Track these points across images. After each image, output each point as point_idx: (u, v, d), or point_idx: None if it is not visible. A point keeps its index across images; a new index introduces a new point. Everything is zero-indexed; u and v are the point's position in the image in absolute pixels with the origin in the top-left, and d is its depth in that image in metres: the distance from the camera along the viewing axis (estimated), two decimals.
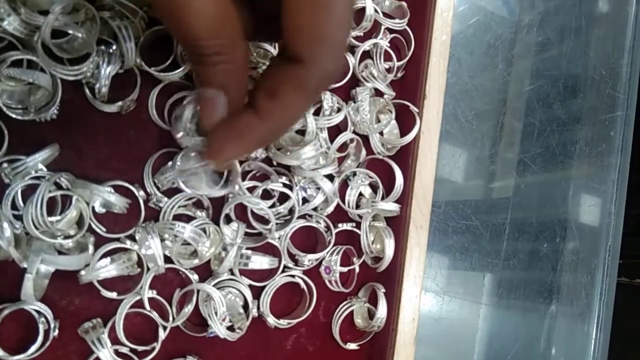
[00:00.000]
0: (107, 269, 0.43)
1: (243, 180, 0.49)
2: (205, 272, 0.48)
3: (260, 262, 0.47)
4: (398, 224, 0.54)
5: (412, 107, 0.55)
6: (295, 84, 0.34)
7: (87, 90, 0.44)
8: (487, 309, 0.74)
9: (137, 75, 0.46)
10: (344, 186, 0.54)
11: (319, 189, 0.52)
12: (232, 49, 0.34)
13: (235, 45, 0.34)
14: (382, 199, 0.53)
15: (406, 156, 0.55)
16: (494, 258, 0.69)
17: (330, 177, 0.52)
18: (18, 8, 0.41)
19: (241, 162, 0.48)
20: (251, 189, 0.49)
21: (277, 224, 0.49)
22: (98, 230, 0.44)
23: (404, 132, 0.55)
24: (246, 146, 0.38)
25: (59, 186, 0.43)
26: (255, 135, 0.36)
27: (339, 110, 0.52)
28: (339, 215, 0.53)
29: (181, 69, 0.46)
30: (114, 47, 0.44)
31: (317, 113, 0.51)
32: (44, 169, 0.43)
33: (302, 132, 0.50)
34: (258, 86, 0.36)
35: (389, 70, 0.56)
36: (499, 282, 0.73)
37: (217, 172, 0.45)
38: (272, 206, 0.49)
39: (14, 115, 0.41)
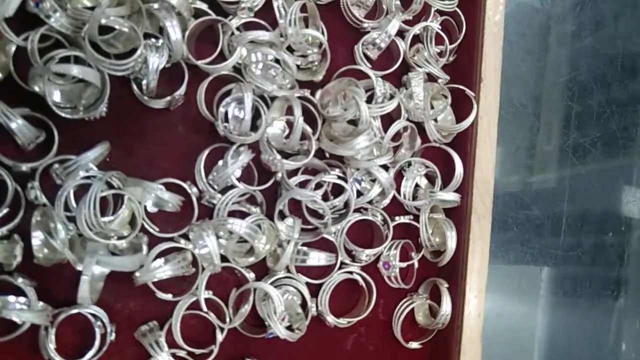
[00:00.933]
0: (163, 269, 0.41)
1: (295, 174, 0.47)
2: (261, 270, 0.46)
3: (318, 257, 0.45)
4: (458, 215, 0.51)
5: (467, 91, 0.52)
6: None
7: (134, 86, 0.43)
8: (547, 303, 0.70)
9: (185, 69, 0.44)
10: (398, 177, 0.51)
11: (373, 181, 0.49)
12: None
13: None
14: (441, 189, 0.51)
15: (463, 143, 0.52)
16: (554, 250, 0.65)
17: (385, 168, 0.49)
18: (64, 4, 0.40)
19: (289, 156, 0.47)
20: (304, 183, 0.47)
21: (332, 218, 0.46)
22: (151, 230, 0.43)
23: (459, 118, 0.53)
24: None
25: (110, 185, 0.41)
26: None
27: (391, 97, 0.49)
28: (395, 207, 0.51)
29: (229, 60, 0.44)
30: (161, 40, 0.43)
31: (369, 100, 0.49)
32: (95, 168, 0.42)
33: (354, 122, 0.48)
34: None
35: (440, 55, 0.53)
36: (559, 275, 0.69)
37: None
38: (326, 200, 0.47)
39: (63, 114, 0.40)
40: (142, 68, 0.42)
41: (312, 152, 0.46)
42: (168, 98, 0.43)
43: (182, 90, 0.44)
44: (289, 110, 0.47)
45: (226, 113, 0.45)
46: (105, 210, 0.41)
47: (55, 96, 0.41)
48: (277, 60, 0.46)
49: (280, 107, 0.46)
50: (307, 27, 0.48)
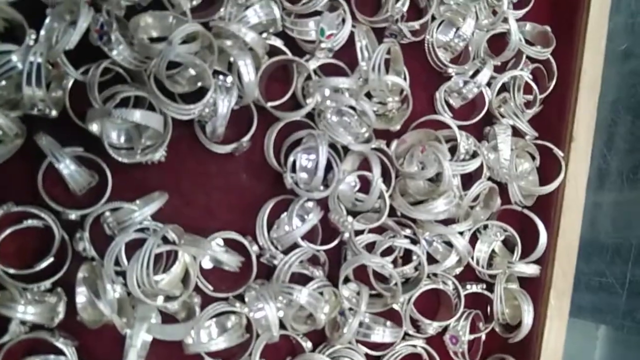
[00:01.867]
0: (216, 342, 0.37)
1: (362, 233, 0.43)
2: (317, 336, 0.42)
3: (382, 334, 0.41)
4: (534, 286, 0.46)
5: (556, 150, 0.47)
6: None
7: (198, 129, 0.39)
8: None
9: (254, 112, 0.40)
10: (472, 239, 0.46)
11: (446, 242, 0.45)
12: None
13: None
14: (520, 257, 0.46)
15: (547, 207, 0.47)
16: (629, 322, 0.59)
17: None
18: (128, 36, 0.36)
19: (358, 212, 0.42)
20: (372, 245, 0.42)
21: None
22: (204, 289, 0.39)
23: (542, 178, 0.48)
24: None
25: (165, 240, 0.37)
26: None
27: (474, 154, 0.44)
28: (465, 273, 0.46)
29: (305, 109, 0.40)
30: (229, 78, 0.38)
31: (451, 153, 0.44)
32: (149, 219, 0.38)
33: (429, 179, 0.43)
34: None
35: (527, 105, 0.48)
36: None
37: None
38: (395, 264, 0.43)
39: (120, 159, 0.36)
40: (209, 111, 0.38)
41: (386, 214, 0.41)
42: (234, 145, 0.39)
43: (249, 135, 0.40)
44: (362, 162, 0.42)
45: (294, 162, 0.40)
46: (157, 264, 0.38)
47: (113, 136, 0.37)
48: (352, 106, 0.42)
49: (353, 159, 0.42)
50: (387, 69, 0.44)
